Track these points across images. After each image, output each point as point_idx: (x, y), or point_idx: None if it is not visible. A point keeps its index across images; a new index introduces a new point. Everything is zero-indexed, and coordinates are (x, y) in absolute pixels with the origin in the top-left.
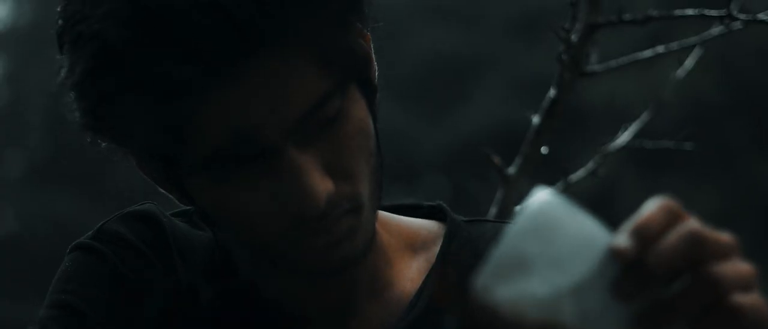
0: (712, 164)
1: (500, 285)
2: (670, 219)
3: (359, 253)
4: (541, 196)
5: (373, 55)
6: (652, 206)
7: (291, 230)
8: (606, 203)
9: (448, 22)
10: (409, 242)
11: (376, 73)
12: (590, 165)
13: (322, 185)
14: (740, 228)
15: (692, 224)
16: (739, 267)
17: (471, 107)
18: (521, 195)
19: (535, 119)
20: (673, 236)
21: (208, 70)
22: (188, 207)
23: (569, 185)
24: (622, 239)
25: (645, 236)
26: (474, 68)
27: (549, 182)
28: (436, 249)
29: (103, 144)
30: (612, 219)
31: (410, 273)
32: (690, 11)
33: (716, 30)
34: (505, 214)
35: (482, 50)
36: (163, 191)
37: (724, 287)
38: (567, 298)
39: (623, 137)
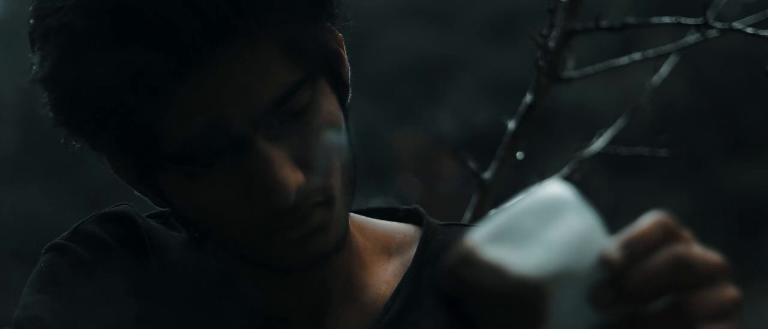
0: (681, 169)
1: (490, 246)
2: (664, 237)
3: (331, 248)
4: (556, 185)
5: (346, 55)
6: (648, 221)
7: (262, 223)
8: None
9: (420, 24)
10: (384, 245)
11: (349, 73)
12: (565, 170)
13: (293, 177)
14: (708, 233)
15: (681, 247)
16: (720, 295)
17: (442, 109)
18: (496, 200)
19: (511, 124)
20: (659, 259)
21: (176, 61)
22: (163, 209)
23: None
24: (613, 249)
25: (634, 252)
26: (446, 70)
27: (524, 186)
28: (412, 252)
29: (77, 144)
30: None
31: (386, 276)
32: (667, 19)
33: (692, 38)
34: (480, 218)
35: (454, 52)
36: (138, 193)
37: (697, 317)
38: (547, 282)
39: (598, 143)
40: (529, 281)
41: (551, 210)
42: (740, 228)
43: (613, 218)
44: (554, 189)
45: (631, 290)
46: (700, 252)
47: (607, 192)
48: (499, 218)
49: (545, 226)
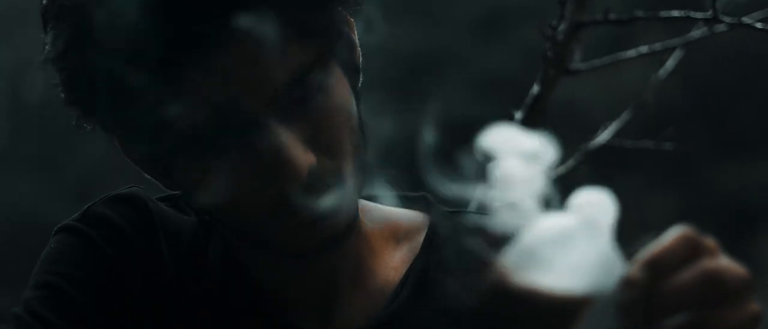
0: (669, 168)
1: (518, 274)
2: (688, 252)
3: (341, 232)
4: (565, 213)
5: (357, 40)
6: (671, 237)
7: (273, 206)
8: (564, 203)
9: (410, 19)
10: (393, 231)
11: (360, 57)
12: (571, 162)
13: (304, 159)
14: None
15: (710, 262)
16: (743, 311)
17: (432, 104)
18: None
19: (518, 115)
20: (689, 274)
21: (189, 42)
22: (173, 192)
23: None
24: (635, 269)
25: (658, 270)
26: (435, 65)
27: None
28: (420, 238)
29: (88, 126)
30: None
31: (394, 262)
32: (675, 12)
33: (697, 32)
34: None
35: (444, 47)
36: (148, 176)
37: None
38: (578, 303)
39: (603, 135)
40: (561, 301)
41: (566, 236)
42: (729, 228)
43: None
44: (564, 216)
45: (659, 306)
46: (729, 265)
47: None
48: (517, 247)
49: (564, 251)
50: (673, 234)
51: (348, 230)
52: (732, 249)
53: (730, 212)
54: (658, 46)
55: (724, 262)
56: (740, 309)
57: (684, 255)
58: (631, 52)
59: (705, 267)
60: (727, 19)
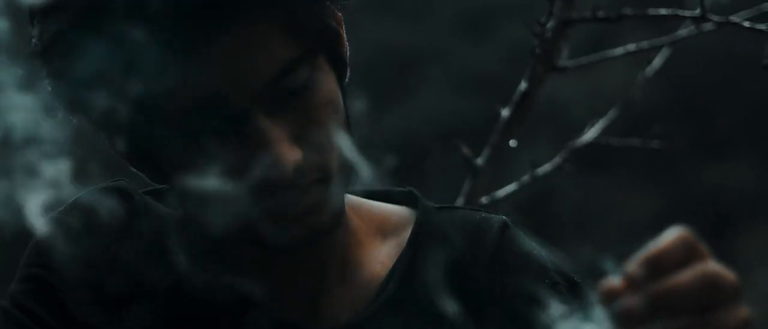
0: (650, 167)
1: None
2: (687, 254)
3: (327, 227)
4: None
5: (345, 34)
6: (670, 237)
7: (260, 200)
8: (544, 202)
9: (393, 16)
10: (380, 226)
11: (348, 52)
12: (557, 160)
13: (291, 154)
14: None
15: (709, 265)
16: (733, 316)
17: (415, 101)
18: (488, 186)
19: (505, 112)
20: (689, 276)
21: (176, 37)
22: (161, 186)
23: (536, 179)
24: (635, 266)
25: (658, 268)
26: (418, 62)
27: (516, 175)
28: (407, 234)
29: (73, 119)
30: (550, 218)
31: (380, 257)
32: (663, 10)
33: (685, 31)
34: (473, 204)
35: (427, 45)
36: (134, 170)
37: None
38: None
39: (589, 134)
40: None
41: None
42: (710, 228)
43: (582, 216)
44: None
45: (656, 308)
46: (723, 269)
47: (576, 189)
48: None
49: None
50: (672, 235)
51: (334, 225)
52: (713, 249)
53: (712, 212)
54: (645, 44)
55: (717, 267)
56: (733, 313)
57: (682, 256)
58: (619, 50)
59: (703, 270)
60: (715, 18)
